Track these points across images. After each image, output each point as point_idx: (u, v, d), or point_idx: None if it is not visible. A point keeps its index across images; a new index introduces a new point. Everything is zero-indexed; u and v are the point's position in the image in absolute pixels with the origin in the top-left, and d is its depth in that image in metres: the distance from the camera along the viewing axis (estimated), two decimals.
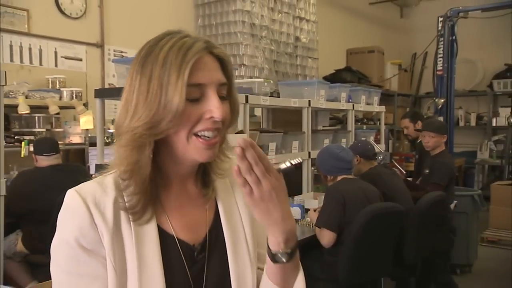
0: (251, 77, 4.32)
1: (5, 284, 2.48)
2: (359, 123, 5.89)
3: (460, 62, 5.51)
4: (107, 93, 2.24)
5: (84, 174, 2.34)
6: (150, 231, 0.76)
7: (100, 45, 3.85)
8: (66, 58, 3.64)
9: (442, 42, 4.83)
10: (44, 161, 2.78)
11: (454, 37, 4.81)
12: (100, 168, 2.17)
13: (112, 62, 2.27)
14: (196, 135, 0.74)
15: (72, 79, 3.55)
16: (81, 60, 3.74)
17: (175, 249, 0.78)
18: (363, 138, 3.62)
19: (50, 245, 0.73)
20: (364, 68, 6.44)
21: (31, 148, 2.96)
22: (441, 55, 4.83)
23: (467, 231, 3.76)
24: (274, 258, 0.76)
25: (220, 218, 0.83)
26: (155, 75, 0.72)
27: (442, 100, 4.87)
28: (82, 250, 0.72)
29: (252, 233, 0.84)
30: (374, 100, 4.02)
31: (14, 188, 2.68)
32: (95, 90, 2.13)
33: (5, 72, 1.45)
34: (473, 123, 7.04)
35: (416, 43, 7.15)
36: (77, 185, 0.77)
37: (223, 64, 0.77)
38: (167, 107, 0.71)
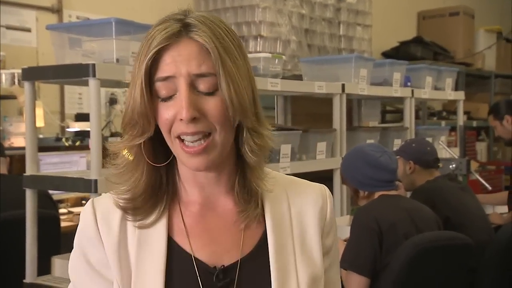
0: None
1: None
2: (435, 118, 5.77)
3: None
4: (39, 73, 2.25)
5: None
6: (155, 237, 0.94)
7: (57, 10, 3.95)
8: (8, 28, 3.75)
9: None
10: None
11: None
12: (30, 180, 2.21)
13: (46, 28, 2.31)
14: (179, 138, 0.89)
15: (17, 56, 3.68)
16: (29, 31, 3.85)
17: (189, 268, 0.94)
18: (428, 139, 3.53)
19: None
20: (444, 39, 6.33)
21: None
22: None
23: None
24: None
25: (267, 241, 0.96)
26: (133, 70, 0.92)
27: None
28: (88, 267, 0.96)
29: (310, 272, 0.96)
30: (446, 84, 3.92)
31: None
32: (23, 69, 2.16)
33: None
34: None
35: None
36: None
37: (208, 50, 0.88)
38: (132, 107, 0.90)
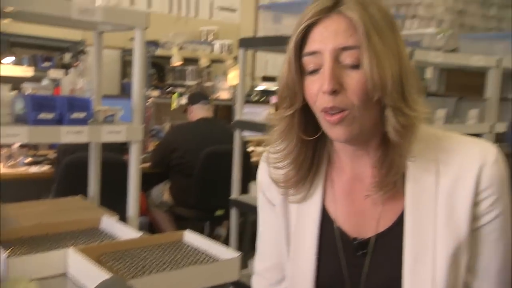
0: None
1: (151, 231, 3.49)
2: None
3: None
4: (253, 42, 2.71)
5: (230, 132, 2.96)
6: (311, 210, 1.01)
7: None
8: (221, 8, 4.53)
9: None
10: (199, 110, 3.69)
11: None
12: (237, 123, 2.75)
13: (259, 8, 2.79)
14: (324, 110, 0.89)
15: (225, 31, 4.45)
16: (235, 10, 4.59)
17: (335, 236, 0.99)
18: None
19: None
20: None
21: (182, 101, 3.96)
22: None
23: None
24: None
25: (403, 216, 0.94)
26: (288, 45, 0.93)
27: None
28: (267, 201, 1.09)
29: (451, 247, 0.91)
30: None
31: (167, 140, 3.70)
32: (240, 39, 2.57)
33: None
34: None
35: None
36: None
37: (355, 25, 0.86)
38: (281, 80, 0.94)
